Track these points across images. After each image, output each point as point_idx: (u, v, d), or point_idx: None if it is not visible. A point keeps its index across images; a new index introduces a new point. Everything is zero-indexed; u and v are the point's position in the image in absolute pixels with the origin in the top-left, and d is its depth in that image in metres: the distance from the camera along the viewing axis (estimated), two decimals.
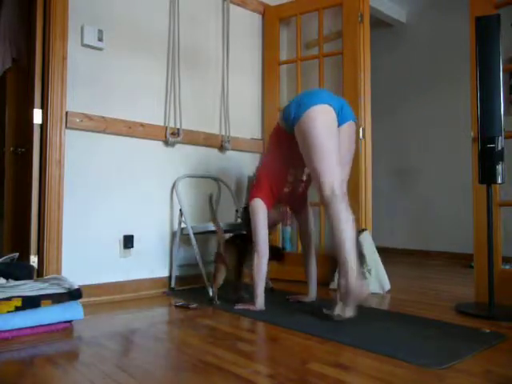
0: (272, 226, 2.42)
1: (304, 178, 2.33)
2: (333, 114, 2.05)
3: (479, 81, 2.15)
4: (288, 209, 2.47)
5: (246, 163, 3.28)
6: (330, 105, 2.05)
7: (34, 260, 2.34)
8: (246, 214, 2.34)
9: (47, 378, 1.32)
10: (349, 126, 2.16)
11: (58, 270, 2.33)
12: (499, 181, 2.13)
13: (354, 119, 2.21)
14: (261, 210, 2.21)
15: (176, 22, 2.91)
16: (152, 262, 2.74)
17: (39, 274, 2.32)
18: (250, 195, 2.28)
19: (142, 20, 2.76)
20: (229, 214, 3.12)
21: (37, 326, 1.81)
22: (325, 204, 1.98)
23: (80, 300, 1.97)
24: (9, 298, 1.78)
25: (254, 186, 2.32)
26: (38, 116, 2.38)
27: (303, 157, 2.08)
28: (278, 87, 3.36)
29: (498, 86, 2.10)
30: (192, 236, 2.62)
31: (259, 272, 2.16)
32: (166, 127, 2.81)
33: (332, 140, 2.00)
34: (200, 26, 3.07)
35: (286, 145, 2.20)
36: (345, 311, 1.90)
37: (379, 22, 5.03)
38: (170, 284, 2.76)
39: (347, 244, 1.89)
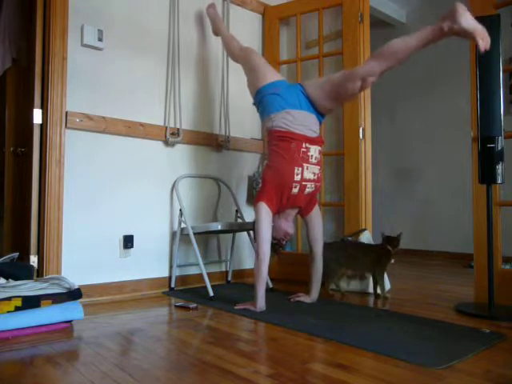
0: (280, 240, 2.40)
1: (313, 177, 2.25)
2: None
3: (479, 81, 2.15)
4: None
5: (246, 163, 3.28)
6: None
7: (34, 260, 2.34)
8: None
9: (47, 378, 1.32)
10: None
11: (58, 270, 2.33)
12: (499, 181, 2.14)
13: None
14: (264, 212, 2.19)
15: (176, 21, 2.91)
16: (152, 262, 2.74)
17: (39, 274, 2.32)
18: (255, 199, 2.26)
19: (142, 20, 2.76)
20: (229, 214, 3.13)
21: (37, 326, 1.81)
22: None
23: (80, 300, 1.97)
24: (9, 298, 1.78)
25: (259, 190, 2.31)
26: (37, 116, 2.38)
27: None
28: None
29: (497, 86, 2.11)
30: (192, 236, 2.62)
31: (260, 273, 2.16)
32: (166, 127, 2.81)
33: None
34: (200, 26, 3.07)
35: (284, 144, 2.20)
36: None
37: (379, 22, 5.03)
38: (169, 284, 2.77)
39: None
